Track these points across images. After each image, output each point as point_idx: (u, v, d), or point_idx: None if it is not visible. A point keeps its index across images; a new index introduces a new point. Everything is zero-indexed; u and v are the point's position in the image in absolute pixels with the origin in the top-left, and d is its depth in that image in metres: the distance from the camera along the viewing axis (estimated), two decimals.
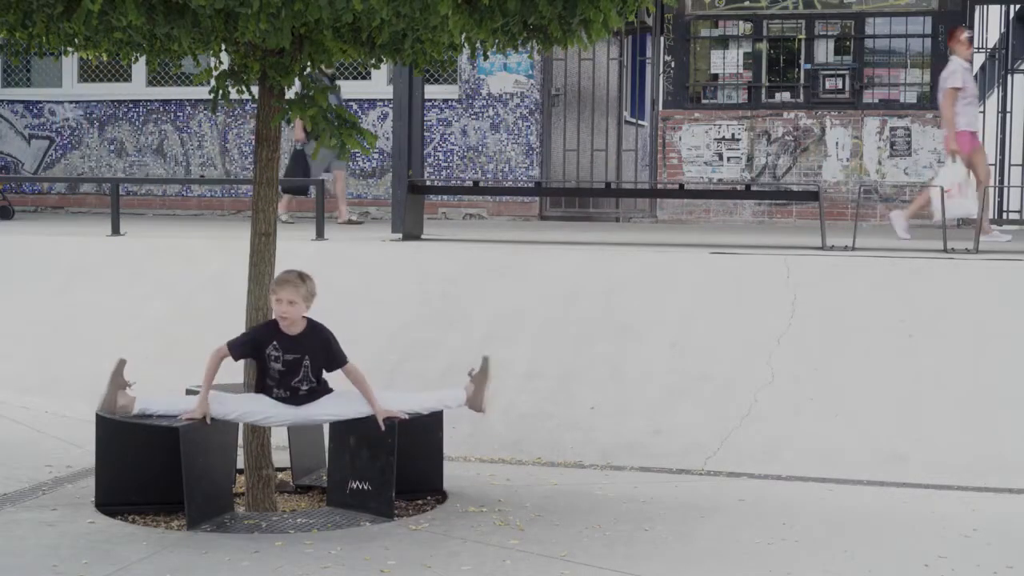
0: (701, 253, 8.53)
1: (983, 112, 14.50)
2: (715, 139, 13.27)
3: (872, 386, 7.08)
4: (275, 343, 5.43)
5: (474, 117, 13.32)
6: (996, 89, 13.77)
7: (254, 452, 5.68)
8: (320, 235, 9.57)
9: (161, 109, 14.03)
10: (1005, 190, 13.30)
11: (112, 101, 14.14)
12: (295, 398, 5.47)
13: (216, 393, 5.48)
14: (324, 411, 5.55)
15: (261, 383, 5.49)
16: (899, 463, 6.50)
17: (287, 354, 5.43)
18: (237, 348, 5.49)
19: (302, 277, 5.47)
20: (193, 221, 12.97)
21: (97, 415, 5.52)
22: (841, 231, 10.38)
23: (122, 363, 5.40)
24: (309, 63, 5.67)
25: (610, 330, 7.70)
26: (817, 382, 7.16)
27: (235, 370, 5.92)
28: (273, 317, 5.51)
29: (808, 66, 13.23)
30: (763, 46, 13.43)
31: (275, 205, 5.81)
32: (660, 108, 13.46)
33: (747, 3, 13.30)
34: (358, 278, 8.35)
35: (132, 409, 5.35)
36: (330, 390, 5.56)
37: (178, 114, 13.99)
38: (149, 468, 5.52)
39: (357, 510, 5.52)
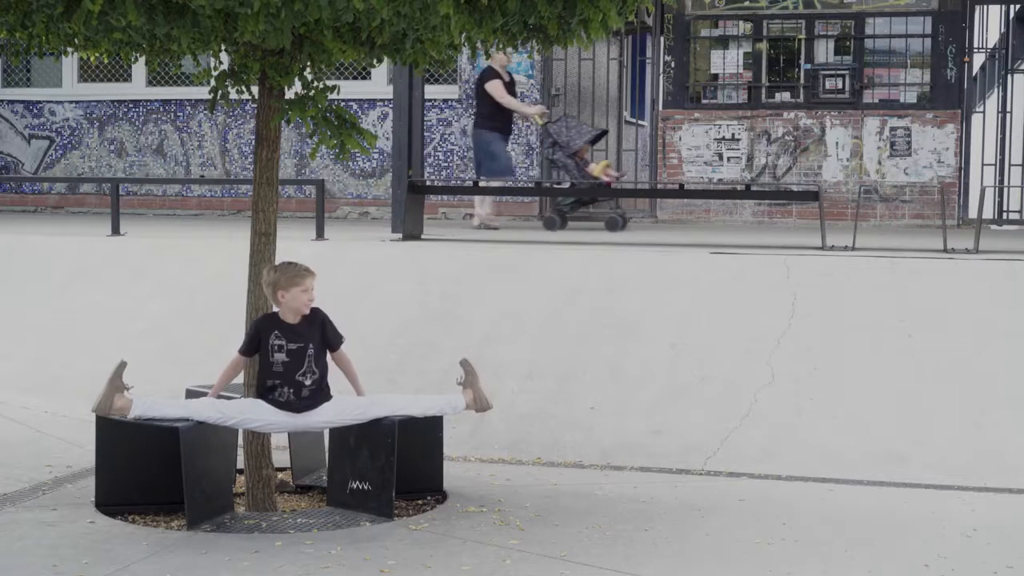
0: (701, 253, 8.53)
1: (983, 112, 14.55)
2: (715, 139, 13.27)
3: (872, 386, 7.08)
4: (276, 332, 5.45)
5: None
6: (996, 89, 13.77)
7: (254, 452, 5.68)
8: (320, 235, 9.57)
9: (161, 109, 14.02)
10: (1005, 190, 13.29)
11: (112, 101, 14.14)
12: (299, 400, 5.45)
13: (215, 400, 5.48)
14: (322, 419, 5.55)
15: (263, 385, 5.48)
16: (899, 463, 6.50)
17: (290, 343, 5.44)
18: (245, 347, 5.55)
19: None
20: (193, 221, 12.97)
21: (97, 416, 5.51)
22: (841, 231, 10.39)
23: (122, 365, 5.40)
24: (309, 63, 5.67)
25: (610, 330, 7.70)
26: (817, 382, 7.16)
27: None
28: (275, 309, 5.54)
29: (808, 66, 13.22)
30: (763, 46, 13.42)
31: (275, 204, 5.79)
32: (660, 108, 13.46)
33: (747, 3, 13.29)
34: (358, 278, 8.35)
35: (129, 412, 5.34)
36: (330, 396, 5.55)
37: (178, 114, 13.98)
38: (149, 468, 5.51)
39: (357, 510, 5.52)
